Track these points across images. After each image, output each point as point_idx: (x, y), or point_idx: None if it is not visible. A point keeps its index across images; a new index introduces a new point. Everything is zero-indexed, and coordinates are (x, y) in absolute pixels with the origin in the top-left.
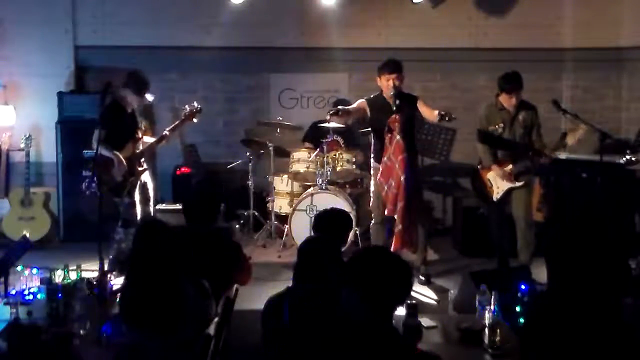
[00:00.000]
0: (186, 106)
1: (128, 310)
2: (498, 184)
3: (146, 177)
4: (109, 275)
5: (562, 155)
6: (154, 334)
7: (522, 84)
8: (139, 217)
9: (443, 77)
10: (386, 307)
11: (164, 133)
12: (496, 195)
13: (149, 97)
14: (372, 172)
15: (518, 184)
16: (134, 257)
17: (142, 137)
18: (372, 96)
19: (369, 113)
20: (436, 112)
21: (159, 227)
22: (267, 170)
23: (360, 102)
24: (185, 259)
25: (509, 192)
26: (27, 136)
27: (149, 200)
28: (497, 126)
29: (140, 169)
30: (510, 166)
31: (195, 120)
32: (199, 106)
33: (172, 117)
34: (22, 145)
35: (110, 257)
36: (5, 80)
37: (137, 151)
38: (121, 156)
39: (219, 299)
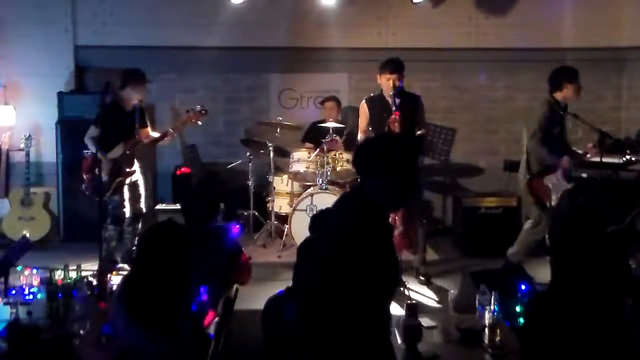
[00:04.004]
0: (197, 106)
1: (131, 307)
2: (554, 188)
3: (137, 175)
4: (108, 275)
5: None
6: (154, 333)
7: None
8: (127, 215)
9: (443, 77)
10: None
11: (168, 130)
12: (554, 200)
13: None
14: None
15: (569, 185)
16: (143, 256)
17: (138, 137)
18: (371, 95)
19: (368, 114)
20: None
21: (173, 229)
22: (267, 170)
23: (362, 109)
24: (191, 260)
25: None
26: (27, 136)
27: (139, 198)
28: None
29: (128, 170)
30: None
31: (200, 122)
32: (205, 109)
33: (172, 117)
34: (22, 145)
35: (103, 255)
36: (5, 80)
37: (128, 152)
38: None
39: (219, 299)
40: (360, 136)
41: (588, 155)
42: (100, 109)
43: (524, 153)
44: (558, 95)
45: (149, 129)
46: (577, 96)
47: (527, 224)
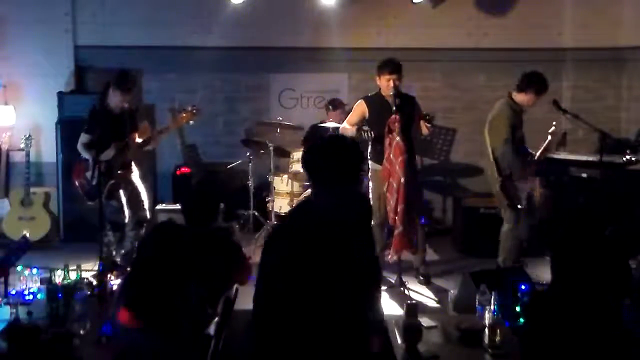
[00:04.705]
0: (189, 106)
1: (133, 306)
2: (521, 189)
3: (137, 181)
4: (108, 275)
5: (562, 155)
6: (155, 332)
7: None
8: (127, 220)
9: (443, 77)
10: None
11: (153, 132)
12: (523, 201)
13: None
14: (370, 173)
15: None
16: (144, 256)
17: (129, 141)
18: (369, 95)
19: (367, 114)
20: (424, 124)
21: (173, 229)
22: (267, 170)
23: (359, 106)
24: (191, 260)
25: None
26: (27, 136)
27: (142, 205)
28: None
29: (120, 172)
30: None
31: (192, 122)
32: (196, 108)
33: (172, 117)
34: (22, 145)
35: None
36: (5, 80)
37: (120, 154)
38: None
39: (219, 299)
40: (343, 126)
41: (537, 155)
42: (88, 115)
43: (489, 154)
44: (518, 97)
45: (137, 134)
46: (530, 106)
47: (504, 227)
